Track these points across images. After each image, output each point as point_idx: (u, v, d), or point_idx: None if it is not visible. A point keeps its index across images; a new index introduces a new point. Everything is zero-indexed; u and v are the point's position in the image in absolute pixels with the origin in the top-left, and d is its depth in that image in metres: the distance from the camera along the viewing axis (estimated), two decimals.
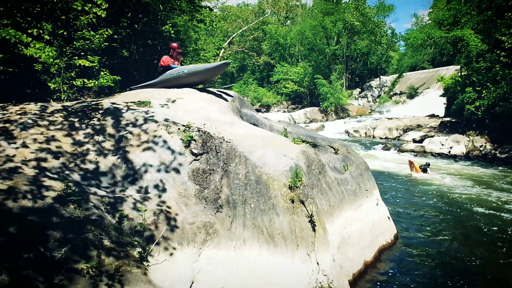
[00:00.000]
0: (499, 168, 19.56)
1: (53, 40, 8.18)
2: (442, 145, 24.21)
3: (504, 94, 21.21)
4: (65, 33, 8.37)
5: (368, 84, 54.41)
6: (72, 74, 8.37)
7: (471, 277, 7.53)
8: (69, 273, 3.82)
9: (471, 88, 24.20)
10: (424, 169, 17.56)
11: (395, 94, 49.37)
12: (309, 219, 5.70)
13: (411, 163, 18.06)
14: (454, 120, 26.98)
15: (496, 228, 10.22)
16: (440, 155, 23.41)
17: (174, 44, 9.65)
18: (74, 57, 8.33)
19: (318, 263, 5.46)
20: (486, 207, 12.20)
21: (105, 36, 8.83)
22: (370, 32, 49.17)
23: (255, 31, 53.51)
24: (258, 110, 33.36)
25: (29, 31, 7.91)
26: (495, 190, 14.63)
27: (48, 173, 5.12)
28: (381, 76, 54.00)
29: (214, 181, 6.02)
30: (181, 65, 9.66)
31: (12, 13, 8.16)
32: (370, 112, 46.33)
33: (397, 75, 52.50)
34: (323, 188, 7.16)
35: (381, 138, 31.39)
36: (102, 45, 8.88)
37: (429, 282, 7.32)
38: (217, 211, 5.79)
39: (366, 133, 32.72)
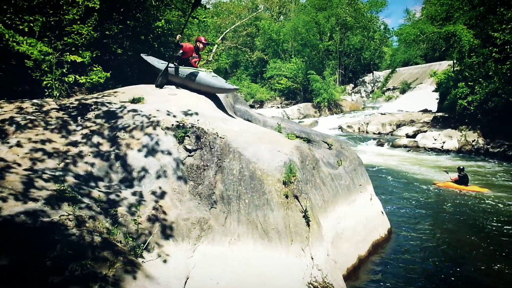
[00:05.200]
0: (491, 162, 19.71)
1: (44, 35, 8.11)
2: (435, 140, 24.31)
3: (497, 89, 21.31)
4: (56, 29, 8.30)
5: (361, 79, 54.41)
6: (64, 71, 8.31)
7: (463, 272, 7.60)
8: (62, 272, 3.80)
9: (463, 83, 24.30)
10: (462, 177, 14.06)
11: (388, 89, 49.38)
12: (303, 214, 5.71)
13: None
14: (446, 115, 27.07)
15: (490, 223, 10.31)
16: (433, 150, 23.52)
17: (202, 38, 9.28)
18: (66, 53, 8.27)
19: (312, 258, 5.48)
20: (480, 201, 12.29)
21: (94, 25, 8.74)
22: (363, 28, 49.11)
23: (248, 27, 53.36)
24: (251, 106, 33.33)
25: (20, 27, 7.84)
26: (489, 185, 14.73)
27: (41, 173, 5.08)
28: (374, 72, 53.98)
29: (208, 177, 6.01)
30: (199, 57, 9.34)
31: (2, 9, 8.08)
32: (363, 108, 46.26)
33: (390, 70, 52.44)
34: (317, 183, 7.18)
35: (374, 133, 31.45)
36: (92, 37, 8.79)
37: (422, 276, 7.39)
38: (211, 207, 5.79)
39: (359, 129, 32.77)
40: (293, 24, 49.66)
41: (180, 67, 8.65)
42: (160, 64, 9.27)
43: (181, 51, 8.83)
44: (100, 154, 5.87)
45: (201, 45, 9.07)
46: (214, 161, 6.14)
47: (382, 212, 9.19)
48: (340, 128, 33.78)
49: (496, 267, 7.71)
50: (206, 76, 8.35)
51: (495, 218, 10.53)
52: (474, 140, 22.74)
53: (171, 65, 8.73)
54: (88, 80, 8.72)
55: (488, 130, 22.56)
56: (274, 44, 53.12)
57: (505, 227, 9.87)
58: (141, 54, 9.98)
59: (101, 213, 4.84)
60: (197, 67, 8.90)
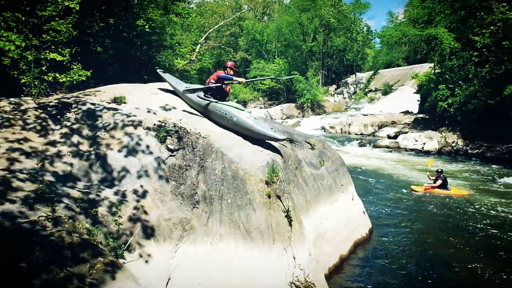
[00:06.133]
0: (470, 163, 20.04)
1: (21, 31, 7.92)
2: (416, 141, 24.64)
3: (476, 92, 21.69)
4: (33, 25, 8.12)
5: (344, 80, 54.92)
6: (43, 69, 8.17)
7: (441, 271, 7.71)
8: (40, 274, 3.72)
9: (444, 85, 24.66)
10: (443, 180, 13.78)
11: (370, 90, 49.94)
12: (286, 214, 5.72)
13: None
14: (427, 116, 27.42)
15: (469, 224, 10.47)
16: (414, 151, 23.83)
17: (230, 63, 8.22)
18: (45, 51, 8.12)
19: (294, 258, 5.49)
20: (459, 203, 12.48)
21: (74, 22, 8.56)
22: (346, 29, 49.63)
23: (231, 27, 53.25)
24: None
25: None
26: (468, 186, 14.97)
27: (19, 174, 4.98)
28: (356, 73, 54.60)
29: (191, 177, 5.97)
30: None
31: None
32: (345, 109, 46.74)
33: (372, 72, 53.11)
34: (299, 183, 7.21)
35: (356, 134, 31.72)
36: (72, 35, 8.63)
37: (402, 275, 7.47)
38: (193, 207, 5.75)
39: (342, 129, 33.02)
40: (276, 24, 49.80)
41: (216, 102, 7.49)
42: (178, 84, 8.52)
43: (213, 82, 7.87)
44: (79, 154, 5.78)
45: (231, 72, 8.03)
46: (197, 161, 6.10)
47: (364, 212, 9.26)
48: (323, 128, 34.00)
49: (473, 266, 7.83)
50: (247, 118, 6.91)
51: (473, 219, 10.70)
52: (454, 141, 23.10)
53: (199, 94, 7.84)
54: (68, 78, 8.58)
55: (467, 131, 22.94)
56: (257, 44, 53.15)
57: (483, 228, 10.04)
58: (157, 70, 9.35)
59: (81, 213, 4.76)
60: (229, 94, 8.25)
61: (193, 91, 7.85)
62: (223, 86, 7.85)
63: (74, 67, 8.97)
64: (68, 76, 8.59)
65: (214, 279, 5.11)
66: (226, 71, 8.05)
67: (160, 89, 8.74)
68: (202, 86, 7.89)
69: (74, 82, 8.95)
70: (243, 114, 7.06)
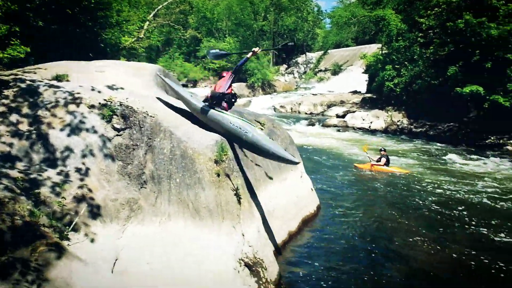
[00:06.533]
0: (415, 141, 20.91)
1: None
2: (363, 120, 25.37)
3: (420, 72, 22.57)
4: None
5: (294, 60, 55.29)
6: None
7: (383, 243, 8.09)
8: None
9: (390, 66, 25.46)
10: (386, 158, 14.36)
11: (320, 70, 50.63)
12: (235, 192, 5.78)
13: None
14: (374, 96, 28.25)
15: (409, 199, 10.98)
16: (361, 130, 24.54)
17: (225, 73, 7.27)
18: None
19: (243, 235, 5.57)
20: (402, 180, 13.02)
21: None
22: (297, 9, 49.84)
23: (181, 4, 51.94)
24: (184, 85, 32.82)
25: None
26: (412, 163, 15.64)
27: None
28: (307, 53, 55.11)
29: (138, 157, 5.87)
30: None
31: None
32: (296, 88, 47.23)
33: (322, 52, 53.86)
34: (249, 162, 7.26)
35: (306, 114, 32.18)
36: (10, 9, 8.16)
37: (348, 249, 7.75)
38: (141, 187, 5.68)
39: (292, 109, 33.40)
40: (227, 2, 49.29)
41: (230, 115, 6.48)
42: (184, 92, 7.61)
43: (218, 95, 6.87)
44: (19, 133, 5.51)
45: (228, 76, 7.15)
46: (144, 141, 5.99)
47: (312, 189, 9.49)
48: (273, 108, 34.21)
49: (415, 239, 8.24)
50: (260, 135, 6.04)
51: (416, 196, 11.24)
52: (399, 120, 23.98)
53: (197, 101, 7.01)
54: (5, 55, 8.12)
55: (412, 111, 23.88)
56: (208, 22, 52.39)
57: (422, 203, 10.57)
58: (157, 73, 8.31)
59: (22, 194, 4.58)
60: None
61: (209, 99, 6.89)
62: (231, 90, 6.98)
63: (12, 42, 8.50)
64: (6, 53, 8.13)
65: (163, 259, 5.09)
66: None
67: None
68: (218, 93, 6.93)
69: (13, 59, 8.49)
70: (258, 130, 6.25)
